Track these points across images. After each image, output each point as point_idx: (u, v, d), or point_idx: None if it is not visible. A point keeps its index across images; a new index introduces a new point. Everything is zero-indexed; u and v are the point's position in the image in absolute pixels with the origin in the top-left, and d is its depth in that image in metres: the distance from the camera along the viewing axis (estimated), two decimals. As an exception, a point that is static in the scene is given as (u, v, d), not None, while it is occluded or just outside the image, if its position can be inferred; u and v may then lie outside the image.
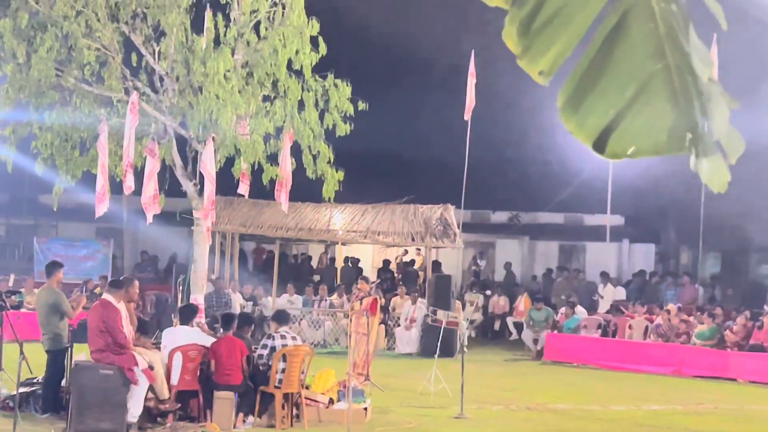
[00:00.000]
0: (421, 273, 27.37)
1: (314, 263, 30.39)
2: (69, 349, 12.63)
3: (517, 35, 2.28)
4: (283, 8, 14.88)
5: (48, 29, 14.04)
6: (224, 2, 14.90)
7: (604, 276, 27.67)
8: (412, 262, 29.46)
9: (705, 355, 20.11)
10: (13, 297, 19.73)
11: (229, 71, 14.27)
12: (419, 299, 23.19)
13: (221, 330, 13.15)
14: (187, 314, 13.21)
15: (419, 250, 28.43)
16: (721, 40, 18.51)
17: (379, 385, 15.83)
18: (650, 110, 2.19)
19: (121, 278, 13.29)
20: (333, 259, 29.47)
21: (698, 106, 2.15)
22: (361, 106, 15.31)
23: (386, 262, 29.24)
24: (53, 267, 13.35)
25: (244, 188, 15.23)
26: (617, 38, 2.23)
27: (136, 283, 12.97)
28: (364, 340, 16.21)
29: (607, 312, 23.74)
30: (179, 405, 12.35)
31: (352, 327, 15.33)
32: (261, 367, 12.69)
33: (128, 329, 12.00)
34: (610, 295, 26.00)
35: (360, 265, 29.23)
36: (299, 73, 15.02)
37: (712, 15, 2.51)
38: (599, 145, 2.25)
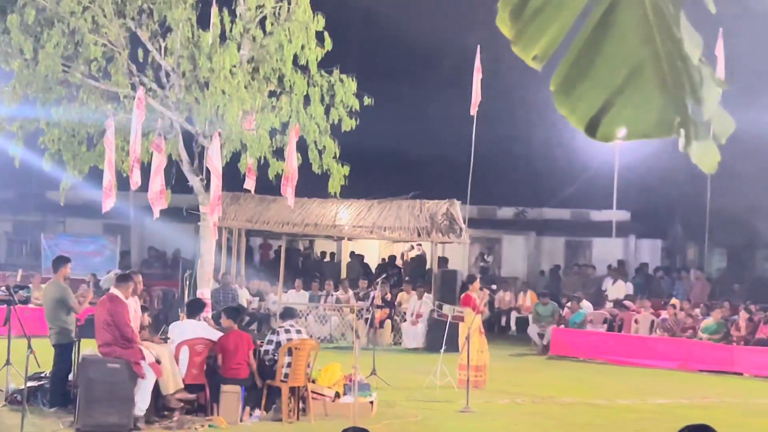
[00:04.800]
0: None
1: (321, 258, 30.46)
2: (76, 343, 12.69)
3: (510, 20, 2.31)
4: (289, 4, 14.94)
5: (55, 25, 14.11)
6: (230, -2, 14.96)
7: (617, 270, 27.63)
8: (418, 257, 29.48)
9: (711, 350, 20.11)
10: (20, 292, 19.82)
11: (235, 67, 14.33)
12: (425, 294, 23.20)
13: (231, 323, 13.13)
14: (194, 308, 13.26)
15: (420, 245, 28.43)
16: (727, 36, 18.47)
17: (385, 379, 15.87)
18: (640, 95, 2.23)
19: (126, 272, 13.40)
20: (334, 254, 29.55)
21: (688, 90, 2.19)
22: (367, 101, 15.34)
23: (392, 258, 29.24)
24: (60, 262, 13.39)
25: (250, 183, 15.29)
26: (608, 24, 2.27)
27: (140, 277, 13.14)
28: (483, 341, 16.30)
29: (613, 306, 23.71)
30: (195, 396, 12.35)
31: (473, 327, 15.44)
32: (267, 362, 12.74)
33: (135, 324, 12.08)
34: (620, 291, 25.90)
35: (366, 260, 29.28)
36: (305, 69, 15.07)
37: (716, 12, 2.54)
38: (591, 129, 2.29)
